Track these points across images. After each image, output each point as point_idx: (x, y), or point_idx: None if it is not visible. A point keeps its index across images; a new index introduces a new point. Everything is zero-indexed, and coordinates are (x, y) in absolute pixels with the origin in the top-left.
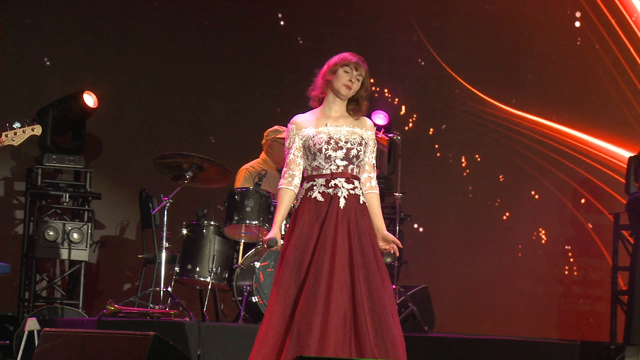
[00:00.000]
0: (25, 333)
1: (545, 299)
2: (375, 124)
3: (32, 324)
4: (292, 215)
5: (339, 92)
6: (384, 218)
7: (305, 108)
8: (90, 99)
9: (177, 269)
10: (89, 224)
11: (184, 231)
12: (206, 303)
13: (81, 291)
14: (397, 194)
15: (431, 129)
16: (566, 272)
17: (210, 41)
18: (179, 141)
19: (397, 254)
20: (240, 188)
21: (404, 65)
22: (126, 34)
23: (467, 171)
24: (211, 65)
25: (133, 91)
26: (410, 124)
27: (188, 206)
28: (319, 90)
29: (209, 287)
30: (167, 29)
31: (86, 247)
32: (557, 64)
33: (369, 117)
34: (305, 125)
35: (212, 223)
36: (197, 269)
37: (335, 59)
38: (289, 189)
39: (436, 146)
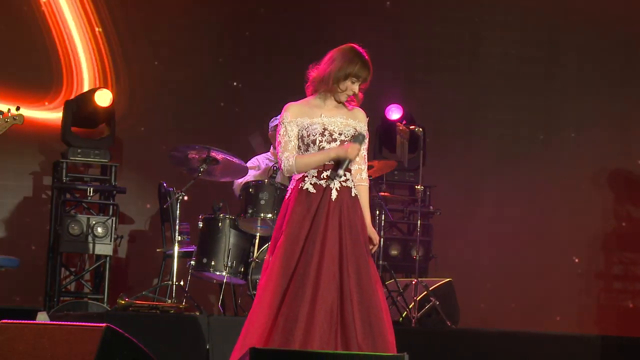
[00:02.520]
0: None
1: (585, 295)
2: (389, 119)
3: (42, 317)
4: (283, 206)
5: (339, 99)
6: (410, 212)
7: None
8: (103, 98)
9: (192, 262)
10: (113, 218)
11: (200, 225)
12: (221, 297)
13: (106, 285)
14: (418, 187)
15: (463, 120)
16: (607, 267)
17: (240, 35)
18: (208, 135)
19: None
20: (255, 181)
21: (438, 56)
22: (154, 27)
23: (502, 163)
24: (241, 59)
25: (162, 84)
26: (442, 115)
27: (210, 199)
28: (317, 80)
29: (224, 281)
30: (195, 21)
31: (110, 241)
32: None
33: (384, 111)
34: (300, 115)
35: (228, 216)
36: (213, 263)
37: (346, 62)
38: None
39: (469, 138)
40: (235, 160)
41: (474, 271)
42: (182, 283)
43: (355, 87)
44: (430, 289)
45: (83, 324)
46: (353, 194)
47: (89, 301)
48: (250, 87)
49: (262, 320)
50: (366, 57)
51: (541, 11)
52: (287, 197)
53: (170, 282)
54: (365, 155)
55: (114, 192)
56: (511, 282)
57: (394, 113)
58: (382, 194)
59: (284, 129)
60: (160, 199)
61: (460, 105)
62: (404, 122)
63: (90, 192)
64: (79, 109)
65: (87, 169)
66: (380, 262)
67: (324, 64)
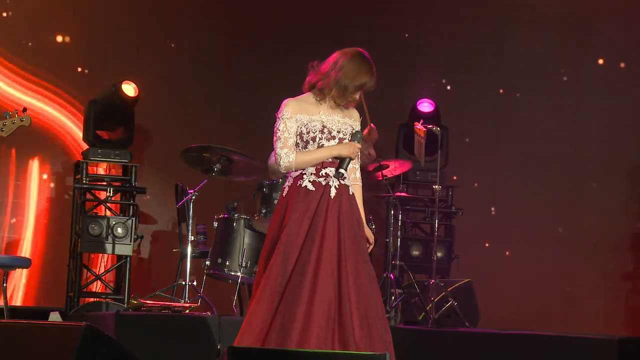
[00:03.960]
0: None
1: (612, 296)
2: (420, 111)
3: (54, 317)
4: (280, 204)
5: (341, 102)
6: (432, 212)
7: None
8: (129, 88)
9: (207, 262)
10: (133, 219)
11: (215, 225)
12: (235, 297)
13: (126, 286)
14: (436, 187)
15: (488, 120)
16: (635, 268)
17: (264, 34)
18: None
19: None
20: (269, 181)
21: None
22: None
23: (528, 163)
24: (265, 57)
25: (184, 84)
26: (468, 113)
27: (226, 199)
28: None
29: (239, 281)
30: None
31: (130, 241)
32: None
33: (415, 105)
34: (300, 111)
35: (243, 216)
36: (227, 263)
37: (360, 73)
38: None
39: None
40: (249, 159)
41: (498, 272)
42: (194, 283)
43: (359, 94)
44: (448, 289)
45: (63, 322)
46: (350, 192)
47: (109, 302)
48: (269, 88)
49: (260, 319)
50: (373, 64)
51: (570, 9)
52: (283, 194)
53: (182, 282)
54: (358, 154)
55: (134, 192)
56: (536, 283)
57: (425, 107)
58: (398, 194)
59: (283, 124)
60: (177, 199)
61: (487, 105)
62: (422, 121)
63: (110, 192)
64: (103, 105)
65: (110, 170)
66: (398, 262)
67: (329, 67)
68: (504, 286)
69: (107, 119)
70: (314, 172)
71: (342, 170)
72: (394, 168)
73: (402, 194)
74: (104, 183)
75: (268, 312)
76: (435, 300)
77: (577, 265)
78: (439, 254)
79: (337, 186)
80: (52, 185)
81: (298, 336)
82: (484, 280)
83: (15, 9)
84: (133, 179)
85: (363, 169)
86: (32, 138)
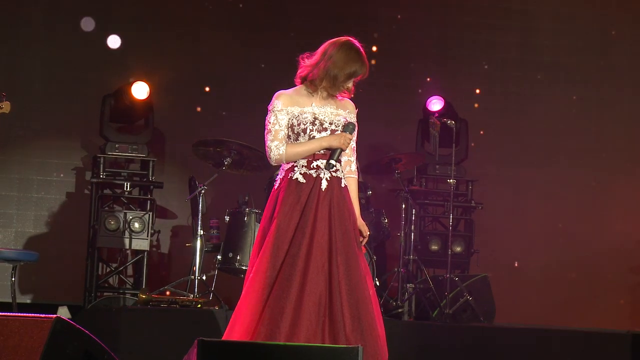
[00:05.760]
0: None
1: (638, 291)
2: (430, 110)
3: (62, 312)
4: (272, 196)
5: (334, 93)
6: (453, 205)
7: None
8: (139, 90)
9: (219, 257)
10: (150, 213)
11: (227, 219)
12: None
13: (144, 280)
14: (450, 180)
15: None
16: None
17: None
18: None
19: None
20: None
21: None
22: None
23: (551, 157)
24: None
25: (203, 78)
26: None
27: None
28: (314, 76)
29: None
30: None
31: (147, 236)
32: None
33: (425, 104)
34: (291, 103)
35: (254, 210)
36: (238, 257)
37: (349, 61)
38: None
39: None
40: (258, 153)
41: (518, 267)
42: (204, 278)
43: (351, 83)
44: (464, 284)
45: (33, 315)
46: (343, 185)
47: (127, 296)
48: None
49: (249, 312)
50: (363, 52)
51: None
52: (275, 187)
53: (192, 277)
54: (354, 147)
55: (151, 187)
56: (556, 278)
57: (435, 105)
58: (413, 187)
59: (274, 117)
60: (190, 193)
61: (509, 98)
62: (436, 114)
63: (127, 187)
64: (117, 103)
65: (129, 164)
66: (411, 256)
67: (319, 58)
68: (525, 280)
69: (123, 114)
70: (305, 164)
71: (332, 161)
72: (407, 162)
73: (415, 187)
74: (121, 177)
75: (257, 305)
76: (450, 295)
77: (601, 259)
78: (458, 249)
79: (328, 178)
80: (72, 180)
81: (287, 329)
82: (503, 276)
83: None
84: (150, 174)
85: (377, 163)
86: (50, 132)
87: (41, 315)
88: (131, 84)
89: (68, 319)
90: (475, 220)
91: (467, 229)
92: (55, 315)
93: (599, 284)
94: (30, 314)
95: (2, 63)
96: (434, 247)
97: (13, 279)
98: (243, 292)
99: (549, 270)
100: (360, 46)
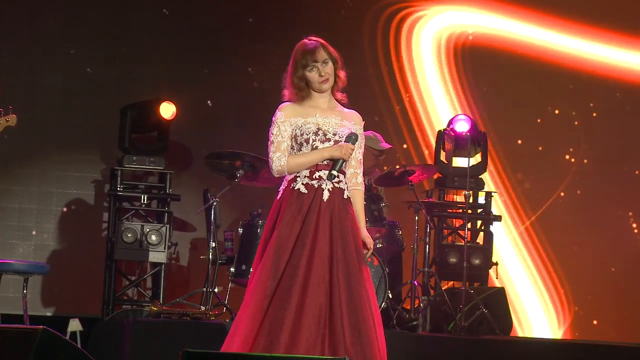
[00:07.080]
0: (68, 334)
1: None
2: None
3: (74, 325)
4: (274, 207)
5: (320, 89)
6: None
7: None
8: (167, 110)
9: (232, 269)
10: (167, 226)
11: (240, 231)
12: None
13: (161, 293)
14: (465, 192)
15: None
16: None
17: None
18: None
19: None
20: None
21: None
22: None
23: (574, 168)
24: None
25: (221, 91)
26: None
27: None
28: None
29: None
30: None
31: (164, 249)
32: None
33: (450, 122)
34: (294, 115)
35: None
36: (251, 270)
37: (294, 60)
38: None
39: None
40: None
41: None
42: (216, 290)
43: (319, 72)
44: (480, 297)
45: (19, 326)
46: (345, 196)
47: (145, 309)
48: None
49: (249, 322)
50: (307, 40)
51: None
52: (278, 197)
53: (204, 289)
54: (360, 159)
55: (169, 199)
56: (576, 290)
57: (461, 126)
58: (428, 199)
59: (277, 128)
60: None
61: (528, 110)
62: (450, 125)
63: (144, 199)
64: (139, 117)
65: (147, 177)
66: (425, 269)
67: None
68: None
69: (144, 128)
70: (308, 175)
71: (333, 172)
72: (420, 174)
73: (431, 199)
74: (139, 190)
75: (257, 316)
76: (466, 308)
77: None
78: (476, 261)
79: (330, 189)
80: (91, 192)
81: (287, 340)
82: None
83: None
84: (167, 186)
85: (390, 175)
86: (71, 144)
87: (28, 326)
88: (157, 102)
89: (78, 331)
90: (495, 232)
91: (486, 241)
92: (41, 327)
93: (617, 298)
94: (16, 325)
95: (22, 77)
96: (452, 260)
97: (25, 292)
98: (243, 302)
99: (566, 283)
100: (308, 38)
